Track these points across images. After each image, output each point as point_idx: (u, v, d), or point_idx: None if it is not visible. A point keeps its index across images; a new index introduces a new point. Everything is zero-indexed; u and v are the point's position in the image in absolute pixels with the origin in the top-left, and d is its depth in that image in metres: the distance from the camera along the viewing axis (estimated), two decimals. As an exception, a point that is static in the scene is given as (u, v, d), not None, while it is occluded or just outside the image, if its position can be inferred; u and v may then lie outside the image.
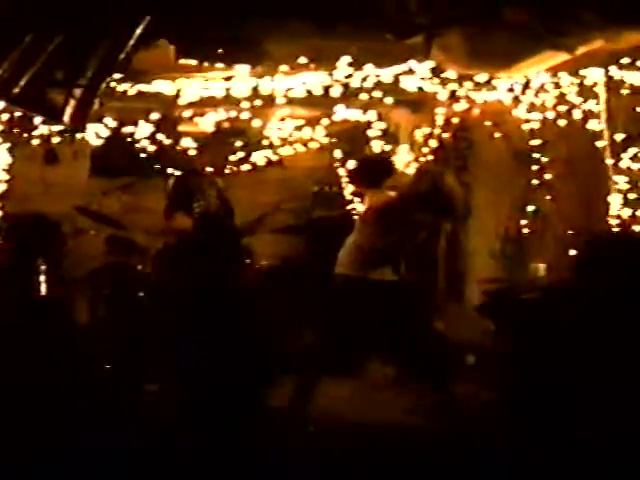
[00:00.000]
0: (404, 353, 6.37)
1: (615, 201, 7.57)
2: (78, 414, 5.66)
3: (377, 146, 9.49)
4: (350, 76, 7.34)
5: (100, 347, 7.57)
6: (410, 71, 7.26)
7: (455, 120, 8.70)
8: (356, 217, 9.21)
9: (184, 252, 7.33)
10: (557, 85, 7.63)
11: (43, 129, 8.94)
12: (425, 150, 8.71)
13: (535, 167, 8.34)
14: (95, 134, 8.87)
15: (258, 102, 8.10)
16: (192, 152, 9.70)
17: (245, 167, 10.56)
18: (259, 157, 10.53)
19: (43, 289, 7.79)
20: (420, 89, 7.62)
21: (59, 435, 5.34)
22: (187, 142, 9.77)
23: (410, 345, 6.24)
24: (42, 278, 7.76)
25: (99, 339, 7.90)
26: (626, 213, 7.49)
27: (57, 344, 6.97)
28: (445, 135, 8.79)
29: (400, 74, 7.32)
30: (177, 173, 9.90)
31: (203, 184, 8.97)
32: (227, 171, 10.54)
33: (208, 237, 7.11)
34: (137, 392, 6.69)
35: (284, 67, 7.15)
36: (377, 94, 7.83)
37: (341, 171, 10.44)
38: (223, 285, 6.13)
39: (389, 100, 8.12)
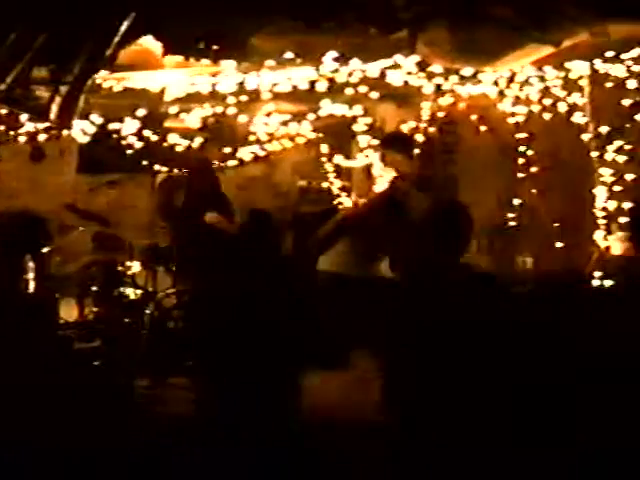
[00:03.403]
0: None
1: (600, 193, 7.61)
2: (67, 414, 5.65)
3: (364, 141, 9.51)
4: (336, 71, 7.35)
5: (89, 344, 7.57)
6: (396, 65, 7.27)
7: (441, 114, 8.72)
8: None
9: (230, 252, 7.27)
10: (542, 78, 7.66)
11: (29, 127, 8.92)
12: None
13: (521, 160, 8.37)
14: (81, 131, 8.86)
15: (244, 97, 8.11)
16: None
17: (231, 163, 10.56)
18: (245, 153, 10.53)
19: (30, 287, 7.78)
20: (406, 83, 7.64)
21: (48, 436, 5.33)
22: (174, 138, 9.78)
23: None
24: (29, 276, 7.74)
25: (88, 336, 7.91)
26: (611, 205, 7.53)
27: (45, 342, 6.95)
28: (431, 129, 8.81)
29: (386, 68, 7.33)
30: (164, 169, 9.89)
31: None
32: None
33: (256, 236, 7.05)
34: (128, 389, 6.68)
35: (270, 62, 7.16)
36: (363, 89, 7.85)
37: (328, 166, 10.46)
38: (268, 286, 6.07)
39: (375, 95, 8.13)
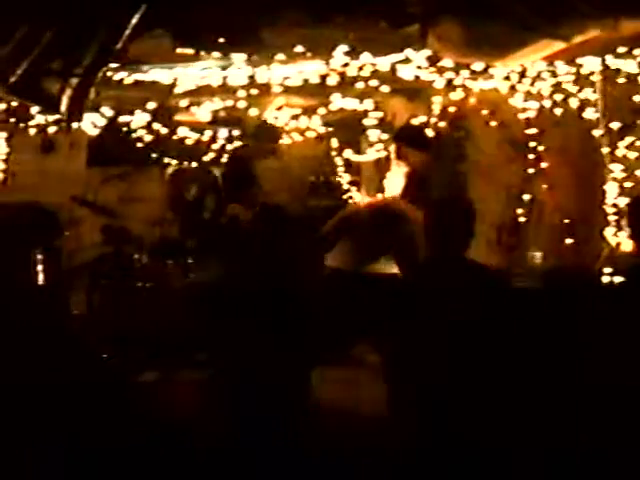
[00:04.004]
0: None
1: (611, 190, 7.58)
2: (76, 406, 5.66)
3: (374, 135, 9.50)
4: (346, 65, 7.33)
5: (97, 337, 7.58)
6: (407, 60, 7.25)
7: (452, 109, 8.70)
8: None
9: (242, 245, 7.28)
10: (553, 74, 7.63)
11: (40, 119, 8.94)
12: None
13: (531, 156, 8.35)
14: (91, 123, 8.87)
15: (254, 91, 8.10)
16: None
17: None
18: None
19: (41, 279, 7.79)
20: (417, 78, 7.62)
21: (57, 428, 5.34)
22: (184, 131, 9.79)
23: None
24: (40, 268, 7.76)
25: (96, 328, 7.93)
26: (622, 202, 7.50)
27: (54, 333, 6.96)
28: (442, 124, 8.80)
29: (397, 63, 7.32)
30: (173, 162, 9.90)
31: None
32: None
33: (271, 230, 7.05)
34: (134, 383, 6.70)
35: (280, 56, 7.15)
36: (373, 83, 7.84)
37: (338, 160, 10.45)
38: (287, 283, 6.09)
39: (385, 89, 8.12)
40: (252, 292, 5.90)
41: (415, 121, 8.88)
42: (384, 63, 7.32)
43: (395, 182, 7.84)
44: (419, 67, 7.39)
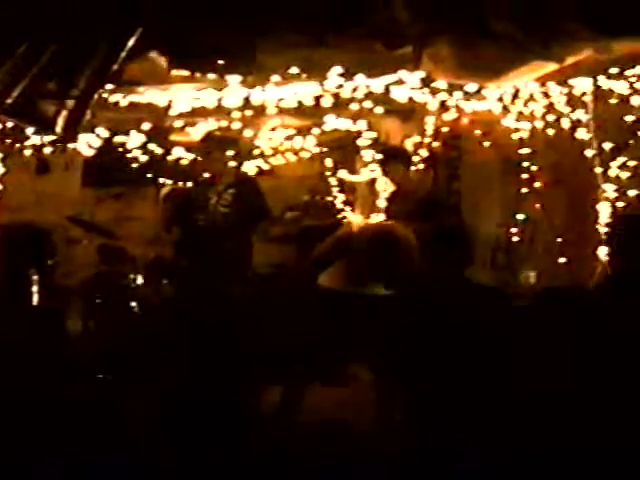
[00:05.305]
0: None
1: (604, 209, 7.62)
2: (71, 424, 5.66)
3: (368, 155, 9.54)
4: (341, 86, 7.38)
5: (93, 356, 7.57)
6: (400, 81, 7.30)
7: (445, 129, 8.74)
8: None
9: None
10: (546, 95, 7.69)
11: (35, 139, 8.96)
12: (415, 159, 8.73)
13: (524, 176, 8.39)
14: (87, 144, 8.90)
15: (249, 112, 8.15)
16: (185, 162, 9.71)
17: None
18: (250, 167, 10.55)
19: (35, 299, 7.80)
20: (410, 99, 7.67)
21: (50, 446, 5.34)
22: (179, 152, 9.80)
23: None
24: (34, 288, 7.77)
25: (92, 348, 7.91)
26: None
27: (50, 353, 6.96)
28: (435, 144, 8.84)
29: (390, 84, 7.36)
30: (168, 182, 9.91)
31: (207, 194, 8.89)
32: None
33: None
34: (126, 400, 6.69)
35: (275, 77, 7.19)
36: (367, 104, 7.88)
37: (332, 180, 10.48)
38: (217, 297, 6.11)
39: (379, 110, 8.16)
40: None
41: (409, 141, 8.92)
42: (378, 84, 7.37)
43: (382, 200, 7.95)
44: (413, 88, 7.44)
